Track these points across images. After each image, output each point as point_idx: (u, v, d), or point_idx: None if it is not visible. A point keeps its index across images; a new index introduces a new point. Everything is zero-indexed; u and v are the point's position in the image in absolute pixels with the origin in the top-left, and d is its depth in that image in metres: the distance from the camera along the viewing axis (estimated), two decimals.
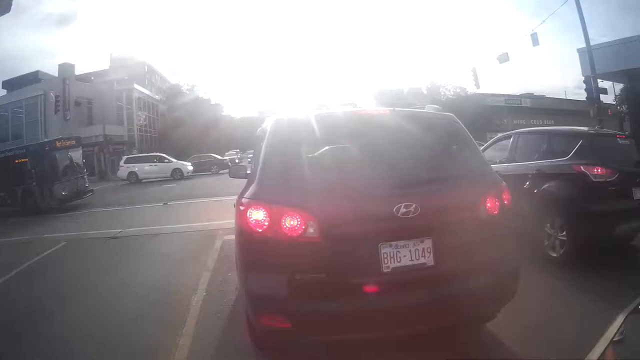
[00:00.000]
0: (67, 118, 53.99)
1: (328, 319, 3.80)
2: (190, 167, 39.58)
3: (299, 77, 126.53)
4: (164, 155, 40.94)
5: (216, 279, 7.92)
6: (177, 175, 37.82)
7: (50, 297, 8.03)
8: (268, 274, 3.91)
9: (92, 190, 26.36)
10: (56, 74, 59.77)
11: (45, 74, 63.14)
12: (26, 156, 24.41)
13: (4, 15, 22.57)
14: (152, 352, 5.28)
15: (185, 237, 12.19)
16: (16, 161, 24.40)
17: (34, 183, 23.18)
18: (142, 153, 47.38)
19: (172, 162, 39.53)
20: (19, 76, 64.42)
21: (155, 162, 39.43)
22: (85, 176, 26.95)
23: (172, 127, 63.57)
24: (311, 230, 3.79)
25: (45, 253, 11.88)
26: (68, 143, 25.79)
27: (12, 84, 63.70)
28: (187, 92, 72.62)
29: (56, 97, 49.39)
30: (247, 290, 4.12)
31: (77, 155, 26.03)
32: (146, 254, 10.80)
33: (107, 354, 5.39)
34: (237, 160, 43.25)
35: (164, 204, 20.64)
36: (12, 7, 22.59)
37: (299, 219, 3.79)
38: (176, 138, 58.67)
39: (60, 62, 61.87)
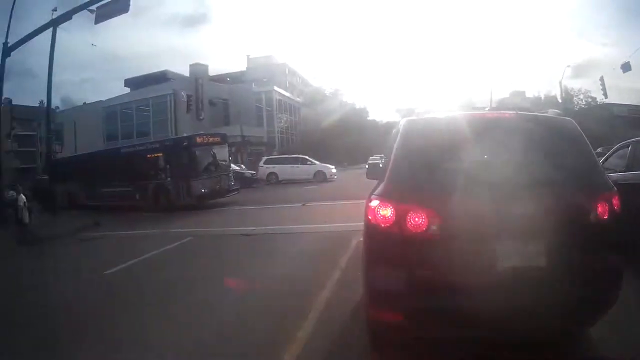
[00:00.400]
0: (201, 118, 54.01)
1: (441, 316, 3.88)
2: (334, 170, 37.61)
3: (440, 80, 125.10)
4: (306, 157, 39.37)
5: (346, 277, 7.90)
6: (320, 177, 35.99)
7: (166, 284, 8.56)
8: (388, 268, 4.11)
9: (238, 189, 25.27)
10: (185, 74, 60.29)
11: (174, 73, 63.20)
12: (161, 151, 23.48)
13: (123, 15, 23.85)
14: (268, 343, 5.40)
15: (320, 237, 12.20)
16: (148, 156, 23.65)
17: (169, 179, 22.19)
18: (282, 155, 46.45)
19: (314, 164, 37.86)
20: (144, 75, 64.38)
21: (297, 163, 38.12)
22: (231, 174, 25.70)
23: (314, 131, 62.25)
24: (433, 227, 3.95)
25: (167, 247, 12.34)
26: (211, 140, 24.44)
27: (135, 83, 64.45)
28: (330, 96, 72.08)
29: (188, 96, 48.72)
30: (368, 283, 4.42)
31: (222, 152, 24.70)
32: (278, 252, 10.88)
33: (220, 341, 5.63)
34: (380, 165, 40.58)
35: (303, 204, 20.27)
36: (131, 7, 23.82)
37: (423, 217, 3.96)
38: (318, 141, 56.91)
39: (191, 62, 61.61)
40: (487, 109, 6.59)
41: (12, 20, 23.98)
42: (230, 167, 25.71)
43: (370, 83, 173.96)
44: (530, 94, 75.52)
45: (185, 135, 26.12)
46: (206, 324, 6.15)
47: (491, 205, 3.94)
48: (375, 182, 5.25)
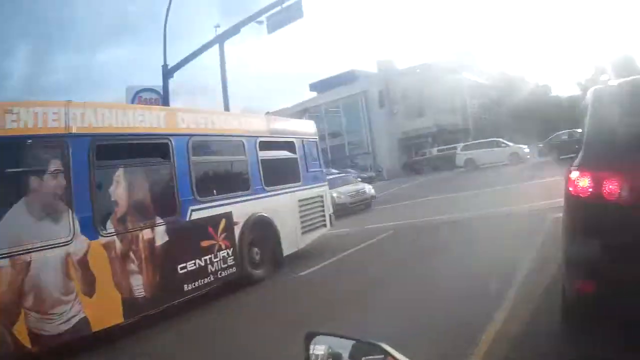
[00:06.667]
0: (395, 112, 56.07)
1: (631, 284, 3.79)
2: (527, 150, 37.51)
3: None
4: (500, 139, 39.89)
5: (541, 255, 8.14)
6: (515, 159, 36.18)
7: (386, 267, 10.08)
8: (585, 237, 4.15)
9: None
10: (372, 71, 61.79)
11: (361, 71, 63.62)
12: None
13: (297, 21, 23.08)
14: (466, 324, 5.63)
15: (514, 218, 12.66)
16: None
17: None
18: (476, 140, 45.85)
19: (509, 146, 38.22)
20: (330, 77, 64.22)
21: (492, 147, 38.56)
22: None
23: (504, 113, 61.05)
24: (625, 194, 3.91)
25: (373, 240, 13.54)
26: None
27: (322, 86, 64.63)
28: (515, 78, 69.67)
29: (380, 92, 50.60)
30: (565, 253, 4.45)
31: None
32: (476, 236, 11.24)
33: (415, 326, 5.88)
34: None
35: (500, 187, 20.52)
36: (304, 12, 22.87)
37: (616, 184, 3.95)
38: (508, 123, 56.17)
39: (377, 59, 63.48)
40: None
41: (169, 42, 24.31)
42: None
43: (548, 60, 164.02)
44: None
45: None
46: (411, 307, 6.84)
47: None
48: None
